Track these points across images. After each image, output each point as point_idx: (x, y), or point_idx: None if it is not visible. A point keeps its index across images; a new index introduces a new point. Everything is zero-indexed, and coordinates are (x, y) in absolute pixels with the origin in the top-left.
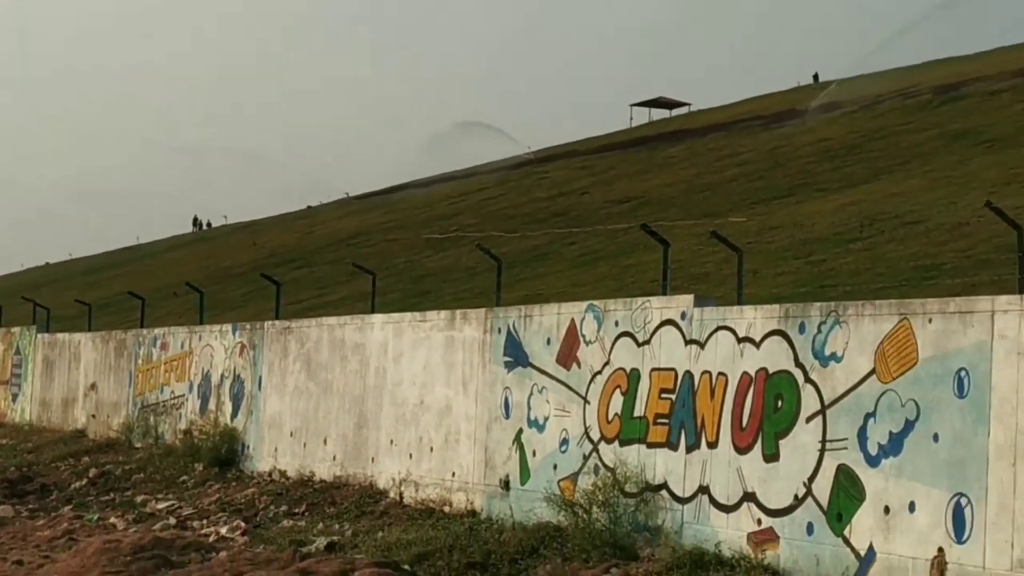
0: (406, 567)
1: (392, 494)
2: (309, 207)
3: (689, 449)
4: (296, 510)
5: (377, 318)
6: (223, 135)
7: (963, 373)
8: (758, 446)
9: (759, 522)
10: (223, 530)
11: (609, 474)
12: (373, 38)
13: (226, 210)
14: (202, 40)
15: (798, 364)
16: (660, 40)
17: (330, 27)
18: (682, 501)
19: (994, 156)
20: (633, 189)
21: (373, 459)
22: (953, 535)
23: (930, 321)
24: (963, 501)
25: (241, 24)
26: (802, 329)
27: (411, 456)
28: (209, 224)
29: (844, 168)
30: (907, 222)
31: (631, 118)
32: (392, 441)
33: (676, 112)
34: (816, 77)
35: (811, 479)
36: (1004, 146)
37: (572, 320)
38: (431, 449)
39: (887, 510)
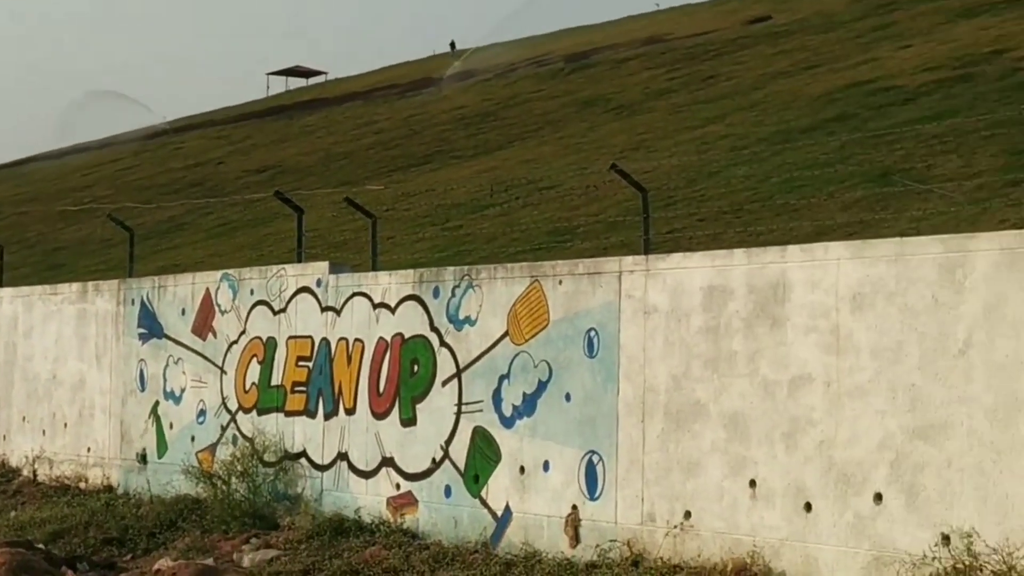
0: (40, 546)
1: (25, 472)
2: None
3: (327, 416)
4: None
5: (5, 292)
6: None
7: (593, 333)
8: (395, 411)
9: (398, 487)
10: None
11: (247, 444)
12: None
13: None
14: None
15: (433, 328)
16: (294, 8)
17: None
18: (321, 469)
19: (622, 122)
20: (270, 158)
21: (4, 437)
22: (586, 492)
23: (560, 283)
24: (595, 459)
25: None
26: (436, 293)
27: (44, 433)
28: None
29: (479, 135)
30: (541, 187)
31: (268, 87)
32: (24, 418)
33: (313, 81)
34: (453, 45)
35: (448, 442)
36: (632, 112)
37: (207, 290)
38: (65, 425)
39: (522, 470)
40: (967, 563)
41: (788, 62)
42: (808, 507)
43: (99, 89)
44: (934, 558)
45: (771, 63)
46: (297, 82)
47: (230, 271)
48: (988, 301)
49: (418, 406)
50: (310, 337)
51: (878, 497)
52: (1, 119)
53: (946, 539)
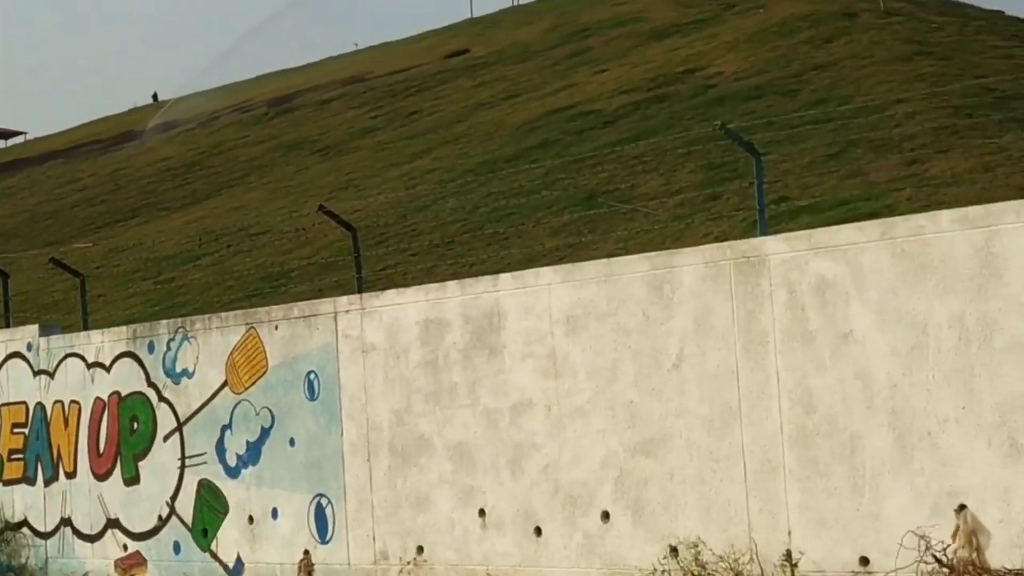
0: None
1: None
2: None
3: (47, 482)
4: None
5: None
6: None
7: (312, 376)
8: (117, 471)
9: (125, 547)
10: None
11: None
12: None
13: None
14: None
15: (151, 383)
16: None
17: None
18: (45, 536)
19: (329, 163)
20: None
21: None
22: (317, 536)
23: (276, 328)
24: (323, 502)
25: None
26: (152, 348)
27: None
28: None
29: (186, 186)
30: (252, 234)
31: None
32: None
33: (12, 142)
34: (155, 97)
35: (173, 498)
36: (338, 153)
37: None
38: None
39: (251, 519)
40: (696, 573)
41: (489, 93)
42: (538, 531)
43: None
44: (663, 571)
45: (472, 95)
46: None
47: None
48: (696, 314)
49: (140, 464)
50: (24, 402)
51: (605, 515)
52: None
53: (674, 551)
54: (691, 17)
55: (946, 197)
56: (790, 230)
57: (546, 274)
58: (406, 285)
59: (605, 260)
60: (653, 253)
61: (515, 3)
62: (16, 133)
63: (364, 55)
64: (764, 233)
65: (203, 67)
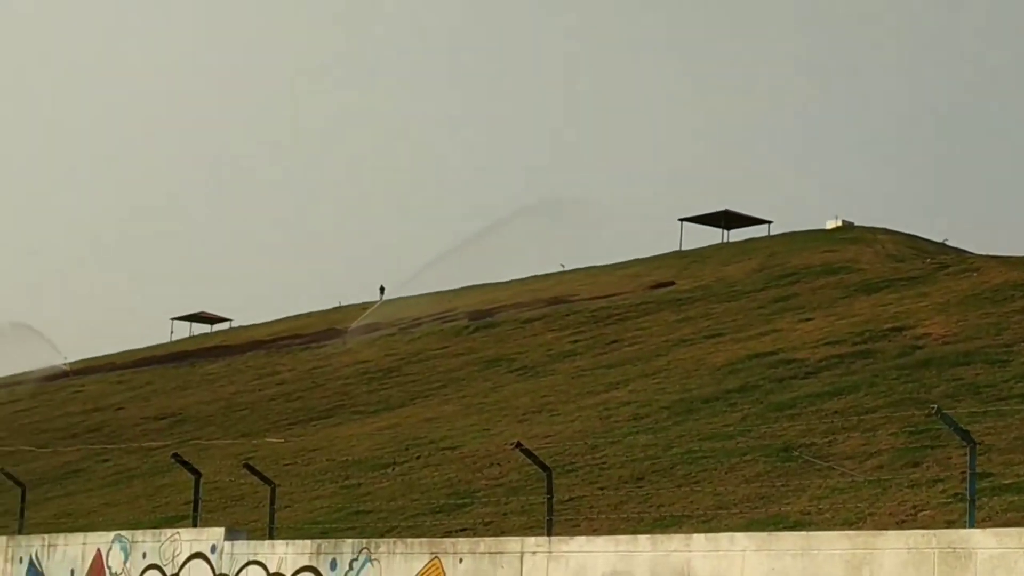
0: None
1: None
2: None
3: None
4: None
5: None
6: None
7: None
8: None
9: None
10: None
11: None
12: None
13: None
14: None
15: None
16: (201, 254)
17: None
18: None
19: (525, 383)
20: (171, 405)
21: None
22: None
23: (461, 561)
24: None
25: None
26: (334, 566)
27: None
28: None
29: (382, 391)
30: (442, 447)
31: (172, 332)
32: None
33: (217, 327)
34: (382, 289)
35: None
36: (535, 374)
37: (98, 551)
38: None
39: None
40: None
41: (691, 329)
42: None
43: (10, 321)
44: None
45: (674, 329)
46: (201, 328)
47: (123, 532)
48: None
49: None
50: None
51: None
52: None
53: None
54: (902, 273)
55: None
56: (992, 508)
57: (741, 539)
58: (591, 520)
59: (804, 533)
60: (854, 532)
61: (725, 240)
62: (222, 319)
63: (569, 276)
64: (972, 525)
65: (416, 271)
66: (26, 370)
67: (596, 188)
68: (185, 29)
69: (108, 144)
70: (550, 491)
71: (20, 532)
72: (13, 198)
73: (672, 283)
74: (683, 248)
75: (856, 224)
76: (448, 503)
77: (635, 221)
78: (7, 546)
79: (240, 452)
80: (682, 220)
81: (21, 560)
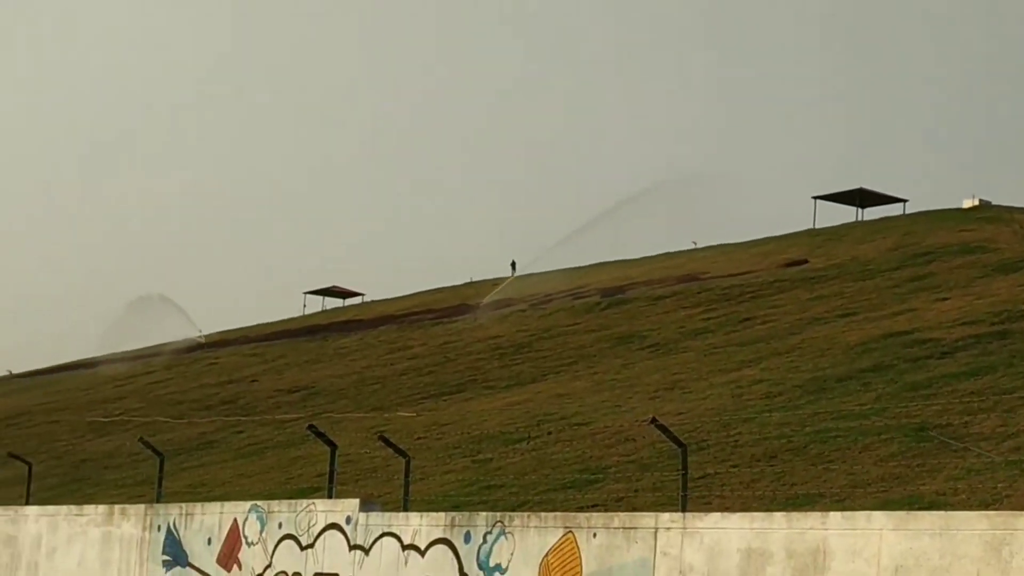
0: None
1: None
2: None
3: None
4: None
5: (31, 510)
6: None
7: None
8: None
9: None
10: None
11: None
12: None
13: None
14: None
15: (463, 574)
16: (335, 227)
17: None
18: None
19: (657, 361)
20: (303, 378)
21: None
22: None
23: (595, 535)
24: None
25: None
26: (467, 538)
27: None
28: None
29: (513, 366)
30: (573, 423)
31: (304, 305)
32: None
33: (350, 302)
34: (513, 265)
35: None
36: (667, 351)
37: (235, 520)
38: None
39: None
40: None
41: (824, 308)
42: None
43: (150, 294)
44: None
45: (807, 308)
46: (333, 302)
47: (259, 502)
48: None
49: None
50: (337, 575)
51: None
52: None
53: None
54: None
55: None
56: None
57: (878, 518)
58: (724, 497)
59: (942, 513)
60: (994, 512)
61: (859, 219)
62: (354, 293)
63: (701, 254)
64: None
65: (549, 246)
66: (163, 342)
67: (729, 165)
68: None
69: (250, 119)
70: (684, 467)
71: (158, 501)
72: (151, 170)
73: (805, 261)
74: (816, 226)
75: (993, 203)
76: (579, 479)
77: (768, 199)
78: (146, 514)
79: (372, 425)
80: (815, 198)
81: (159, 528)
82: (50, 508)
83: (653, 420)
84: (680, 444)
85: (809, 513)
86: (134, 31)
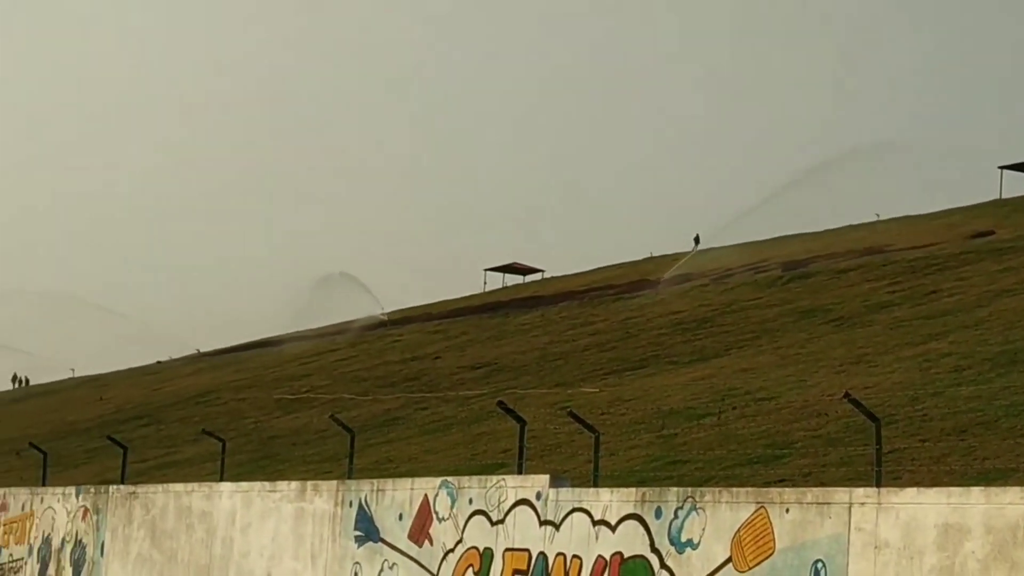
0: None
1: None
2: (159, 362)
3: None
4: None
5: (225, 486)
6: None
7: (820, 565)
8: None
9: None
10: None
11: None
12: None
13: (72, 362)
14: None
15: (654, 549)
16: (514, 203)
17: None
18: None
19: (841, 335)
20: (486, 355)
21: None
22: None
23: (787, 511)
24: None
25: None
26: (658, 514)
27: None
28: (27, 381)
29: (695, 341)
30: (758, 399)
31: (484, 283)
32: None
33: (530, 278)
34: (697, 239)
35: None
36: (852, 325)
37: (425, 496)
38: None
39: None
40: None
41: (1014, 280)
42: None
43: (336, 272)
44: None
45: (996, 280)
46: (514, 279)
47: (449, 478)
48: None
49: None
50: (527, 550)
51: None
52: (248, 299)
53: None
54: None
55: None
56: None
57: None
58: (914, 472)
59: None
60: None
61: None
62: (534, 270)
63: (884, 226)
64: None
65: (730, 220)
66: (348, 319)
67: (917, 133)
68: None
69: (435, 92)
70: (879, 442)
71: (349, 477)
72: (346, 153)
73: (992, 232)
74: (1003, 196)
75: None
76: (766, 454)
77: (953, 169)
78: (337, 490)
79: (555, 401)
80: (1002, 168)
81: (351, 504)
82: (244, 484)
83: (846, 395)
84: (874, 419)
85: (1008, 488)
86: None
